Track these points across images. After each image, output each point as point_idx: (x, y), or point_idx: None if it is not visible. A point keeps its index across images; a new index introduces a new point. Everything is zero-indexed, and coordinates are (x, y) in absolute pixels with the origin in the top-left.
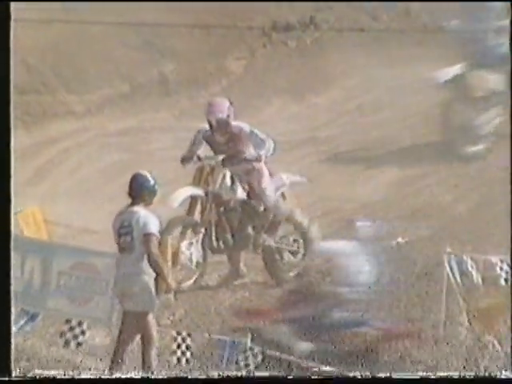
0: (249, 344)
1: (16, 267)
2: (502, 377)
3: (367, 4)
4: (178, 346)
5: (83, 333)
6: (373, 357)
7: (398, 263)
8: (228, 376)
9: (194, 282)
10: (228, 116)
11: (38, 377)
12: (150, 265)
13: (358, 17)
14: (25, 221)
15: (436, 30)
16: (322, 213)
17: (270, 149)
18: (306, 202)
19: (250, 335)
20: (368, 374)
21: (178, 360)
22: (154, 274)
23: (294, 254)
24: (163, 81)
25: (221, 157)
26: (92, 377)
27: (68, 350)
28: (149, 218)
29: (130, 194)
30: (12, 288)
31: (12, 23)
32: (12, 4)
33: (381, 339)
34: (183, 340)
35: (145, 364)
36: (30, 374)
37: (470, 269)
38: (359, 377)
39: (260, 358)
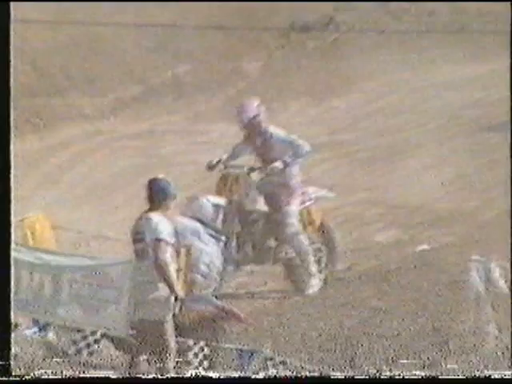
0: (269, 353)
1: (25, 275)
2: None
3: (389, 4)
4: (195, 355)
5: (96, 342)
6: None
7: (422, 271)
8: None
9: (213, 291)
10: (256, 116)
11: (37, 377)
12: (156, 271)
13: (379, 17)
14: (30, 228)
15: (458, 31)
16: (344, 219)
17: (302, 155)
18: (327, 208)
19: (269, 344)
20: (368, 373)
21: (196, 369)
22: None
23: (315, 263)
24: (177, 83)
25: (246, 166)
26: (93, 376)
27: (81, 360)
28: (161, 224)
29: (148, 199)
30: (21, 296)
31: (22, 25)
32: (22, 5)
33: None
34: (201, 349)
35: (161, 374)
36: (29, 374)
37: (497, 276)
38: (359, 377)
39: (281, 367)
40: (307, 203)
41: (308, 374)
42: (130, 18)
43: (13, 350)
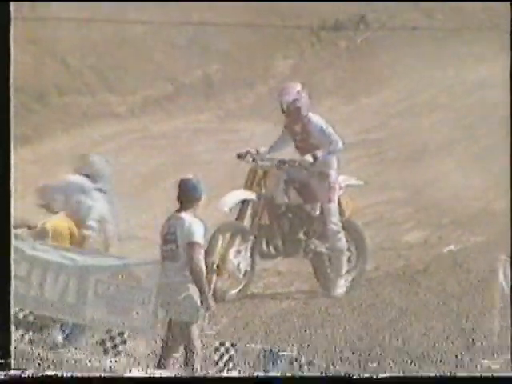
0: (294, 354)
1: (50, 276)
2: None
3: (419, 2)
4: (221, 357)
5: (124, 342)
6: None
7: (450, 271)
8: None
9: (240, 291)
10: (296, 100)
11: (37, 376)
12: (192, 275)
13: (411, 15)
14: (53, 229)
15: (491, 29)
16: (372, 218)
17: (335, 150)
18: (357, 206)
19: (296, 345)
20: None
21: (220, 370)
22: None
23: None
24: (208, 81)
25: (276, 160)
26: (93, 375)
27: (109, 360)
28: (194, 226)
29: (179, 199)
30: (46, 297)
31: (52, 23)
32: (52, 4)
33: None
34: (226, 351)
35: (188, 374)
36: (29, 373)
37: None
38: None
39: (306, 368)
40: (339, 192)
41: (334, 374)
42: (160, 16)
43: (12, 348)
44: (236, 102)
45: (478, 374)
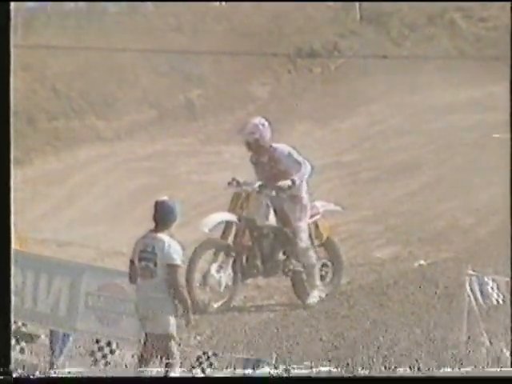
0: (273, 362)
1: (42, 289)
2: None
3: (390, 31)
4: (200, 364)
5: (112, 352)
6: None
7: (419, 285)
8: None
9: (223, 304)
10: (252, 133)
11: (37, 377)
12: (175, 294)
13: (382, 43)
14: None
15: (457, 56)
16: (346, 236)
17: (306, 173)
18: (331, 225)
19: (274, 355)
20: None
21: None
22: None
23: (321, 278)
24: (190, 106)
25: (257, 184)
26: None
27: (97, 369)
28: (174, 247)
29: (155, 220)
30: (39, 309)
31: (42, 51)
32: (43, 31)
33: None
34: (208, 359)
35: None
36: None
37: (490, 290)
38: (359, 377)
39: (285, 376)
40: (316, 217)
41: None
42: (144, 44)
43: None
44: (216, 125)
45: (476, 374)
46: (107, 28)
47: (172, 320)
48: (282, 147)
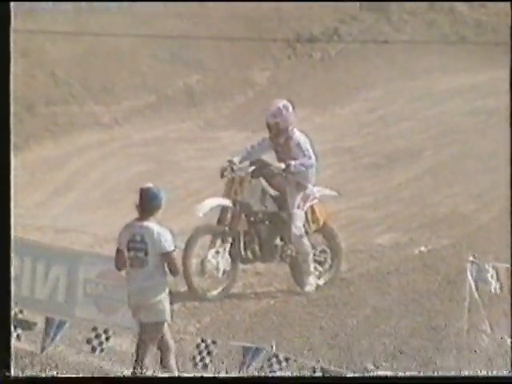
0: (273, 351)
1: (40, 276)
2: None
3: (390, 16)
4: (200, 353)
5: (108, 339)
6: None
7: (420, 272)
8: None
9: (222, 290)
10: (274, 115)
11: (37, 376)
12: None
13: (382, 28)
14: None
15: (457, 42)
16: (346, 222)
17: (307, 165)
18: (331, 211)
19: (274, 342)
20: (367, 371)
21: (195, 365)
22: (167, 287)
23: (320, 264)
24: (189, 92)
25: (251, 168)
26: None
27: (95, 357)
28: (164, 235)
29: (140, 207)
30: (36, 296)
31: (41, 36)
32: (42, 17)
33: None
34: (206, 347)
35: (165, 371)
36: (29, 374)
37: (490, 278)
38: (359, 377)
39: (284, 364)
40: (312, 201)
41: (310, 371)
42: (144, 29)
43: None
44: (215, 111)
45: (477, 374)
46: (106, 14)
47: (167, 307)
48: (298, 136)
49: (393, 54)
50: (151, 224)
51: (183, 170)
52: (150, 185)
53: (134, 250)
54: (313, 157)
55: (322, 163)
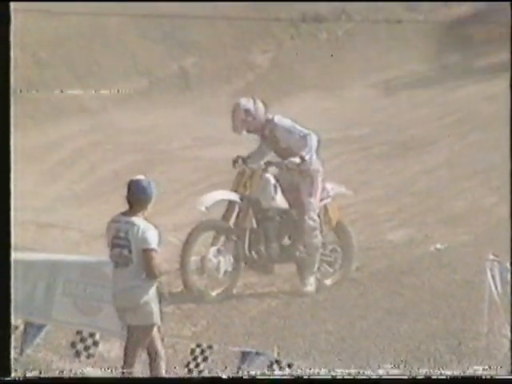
0: (275, 356)
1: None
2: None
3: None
4: (195, 359)
5: (95, 344)
6: None
7: (436, 271)
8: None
9: (221, 292)
10: (252, 122)
11: (37, 377)
12: (152, 279)
13: (393, 7)
14: None
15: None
16: (355, 217)
17: (313, 145)
18: (340, 205)
19: (276, 347)
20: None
21: (189, 372)
22: (155, 287)
23: (330, 264)
24: (184, 75)
25: (263, 161)
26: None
27: (82, 362)
28: (148, 232)
29: (128, 201)
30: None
31: (22, 15)
32: None
33: None
34: (202, 352)
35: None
36: (29, 375)
37: (510, 277)
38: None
39: (287, 371)
40: (326, 200)
41: (316, 376)
42: (134, 8)
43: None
44: (213, 96)
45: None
46: None
47: (155, 309)
48: (282, 123)
49: (405, 35)
50: (137, 219)
51: (177, 161)
52: (140, 176)
53: (117, 247)
54: (312, 133)
55: (329, 153)
